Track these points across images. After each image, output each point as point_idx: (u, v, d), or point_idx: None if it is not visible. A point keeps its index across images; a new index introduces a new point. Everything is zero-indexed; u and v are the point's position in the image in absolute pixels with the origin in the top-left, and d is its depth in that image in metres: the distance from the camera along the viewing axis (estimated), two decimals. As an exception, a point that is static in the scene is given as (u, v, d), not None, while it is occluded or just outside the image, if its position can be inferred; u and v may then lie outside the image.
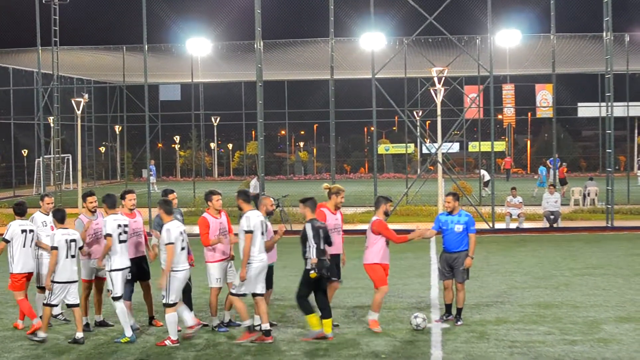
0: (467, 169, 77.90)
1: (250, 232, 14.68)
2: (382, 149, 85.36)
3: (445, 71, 38.81)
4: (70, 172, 65.65)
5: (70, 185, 64.56)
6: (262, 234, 14.95)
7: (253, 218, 14.82)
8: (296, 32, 64.81)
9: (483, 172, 51.39)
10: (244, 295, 14.76)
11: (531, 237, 30.56)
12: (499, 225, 32.94)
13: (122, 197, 16.21)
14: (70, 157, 64.45)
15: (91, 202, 16.15)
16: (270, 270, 15.49)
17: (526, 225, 33.48)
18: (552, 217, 32.75)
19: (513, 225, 33.31)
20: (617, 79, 38.85)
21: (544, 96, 71.27)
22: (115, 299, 14.77)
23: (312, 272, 14.51)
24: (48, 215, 16.43)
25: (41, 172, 44.17)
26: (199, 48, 49.80)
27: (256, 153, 54.36)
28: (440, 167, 37.53)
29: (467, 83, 63.04)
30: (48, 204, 16.54)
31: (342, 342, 14.23)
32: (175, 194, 16.48)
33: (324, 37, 44.34)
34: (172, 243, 14.62)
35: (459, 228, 15.49)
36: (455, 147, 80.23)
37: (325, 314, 14.68)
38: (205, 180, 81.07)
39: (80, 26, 65.15)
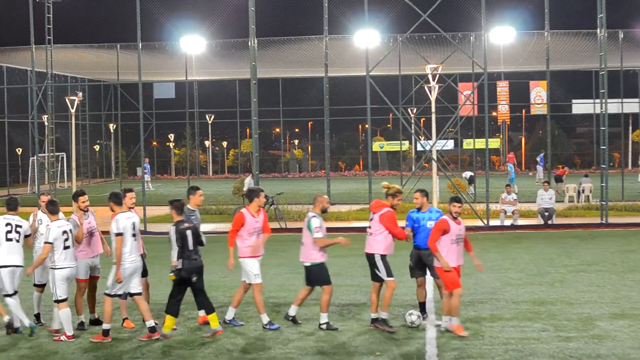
0: (462, 166, 77.88)
1: (120, 234, 14.88)
2: (376, 146, 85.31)
3: (439, 68, 38.78)
4: (65, 171, 65.56)
5: (65, 184, 64.47)
6: (134, 235, 15.08)
7: (122, 220, 14.97)
8: (290, 29, 64.71)
9: (469, 173, 51.52)
10: (119, 296, 14.99)
11: (526, 234, 30.60)
12: (493, 222, 32.97)
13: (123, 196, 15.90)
14: (64, 156, 64.37)
15: (83, 202, 15.89)
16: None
17: (521, 222, 33.52)
18: (546, 214, 32.79)
19: (508, 222, 33.35)
20: (611, 75, 38.86)
21: (538, 93, 71.25)
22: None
23: (170, 274, 14.74)
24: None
25: (35, 170, 44.12)
26: (193, 46, 49.82)
27: (251, 151, 54.35)
28: (434, 165, 37.53)
29: (461, 80, 62.98)
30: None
31: (337, 340, 14.23)
32: (200, 190, 16.20)
33: (318, 34, 44.38)
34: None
35: (431, 224, 15.41)
36: (449, 144, 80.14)
37: (208, 309, 14.98)
38: (200, 178, 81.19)
39: (74, 24, 64.95)
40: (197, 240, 14.97)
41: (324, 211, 15.63)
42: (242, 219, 15.24)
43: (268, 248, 27.04)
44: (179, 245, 14.63)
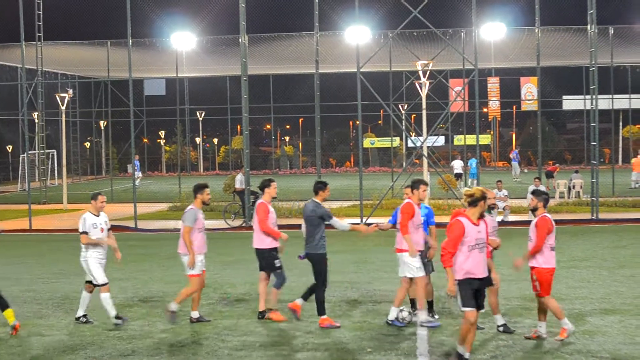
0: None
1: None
2: (367, 142, 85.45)
3: (430, 64, 38.85)
4: (55, 168, 65.46)
5: (55, 181, 64.36)
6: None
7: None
8: (281, 26, 64.61)
9: (458, 162, 51.59)
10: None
11: (517, 230, 30.58)
12: (484, 218, 32.95)
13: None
14: (55, 153, 64.28)
15: (102, 202, 15.88)
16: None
17: (512, 218, 33.55)
18: (537, 210, 32.77)
19: (499, 218, 33.34)
20: (601, 71, 38.94)
21: (529, 89, 71.48)
22: None
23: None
24: (99, 216, 15.88)
25: (26, 167, 44.04)
26: (183, 42, 49.78)
27: (241, 147, 54.31)
28: (425, 161, 37.56)
29: (452, 76, 63.15)
30: (102, 202, 15.98)
31: (328, 336, 14.22)
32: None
33: (309, 31, 44.35)
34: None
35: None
36: (440, 141, 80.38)
37: (2, 306, 14.98)
38: (191, 175, 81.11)
39: (64, 21, 64.83)
40: None
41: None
42: (412, 209, 14.95)
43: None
44: None
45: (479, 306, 12.25)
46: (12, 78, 59.87)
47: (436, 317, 15.35)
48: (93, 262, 15.53)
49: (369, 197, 38.77)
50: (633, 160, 51.41)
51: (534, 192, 14.47)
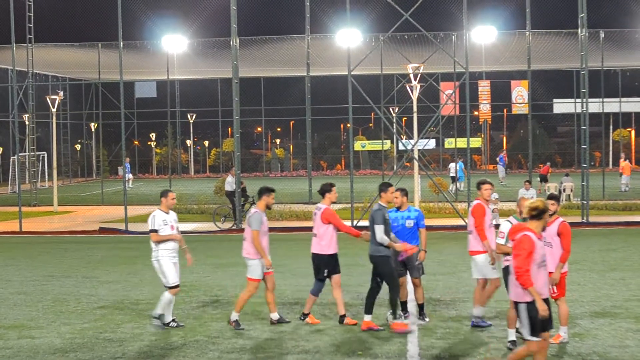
0: (444, 165, 78.00)
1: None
2: (358, 145, 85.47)
3: (421, 68, 38.90)
4: (46, 170, 65.37)
5: (46, 183, 64.28)
6: None
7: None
8: (272, 28, 64.64)
9: (454, 165, 51.65)
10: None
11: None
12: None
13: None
14: (45, 155, 64.19)
15: (173, 199, 15.83)
16: None
17: (502, 221, 33.54)
18: (527, 213, 32.81)
19: (490, 221, 33.39)
20: (592, 75, 39.03)
21: (520, 92, 71.58)
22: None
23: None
24: (168, 214, 15.67)
25: (16, 170, 43.94)
26: (174, 45, 49.81)
27: (232, 150, 54.28)
28: (416, 164, 37.59)
29: (443, 79, 63.21)
30: (173, 199, 15.89)
31: (319, 339, 14.22)
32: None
33: (300, 33, 44.42)
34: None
35: (409, 223, 15.43)
36: (431, 144, 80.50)
37: None
38: (182, 177, 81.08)
39: (55, 23, 64.81)
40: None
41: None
42: (484, 209, 15.25)
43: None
44: None
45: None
46: (2, 80, 59.68)
47: (427, 319, 15.37)
48: (166, 261, 15.29)
49: (360, 200, 38.79)
50: (623, 163, 51.49)
51: (551, 197, 14.26)
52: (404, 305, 15.70)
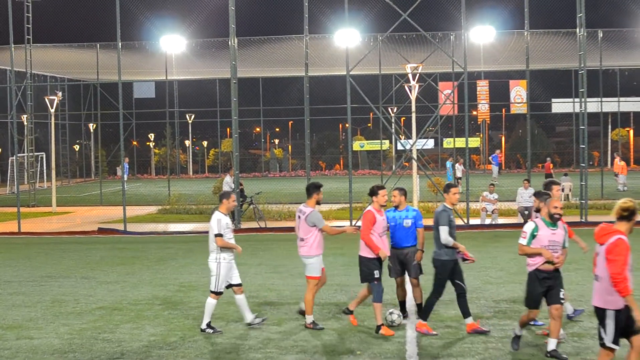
0: (442, 165, 78.03)
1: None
2: (357, 145, 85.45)
3: (419, 68, 38.91)
4: (44, 171, 65.37)
5: (44, 184, 64.28)
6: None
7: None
8: (270, 29, 64.78)
9: (457, 165, 51.65)
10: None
11: (506, 233, 30.66)
12: (473, 221, 33.05)
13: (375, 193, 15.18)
14: (44, 156, 64.22)
15: (234, 201, 15.50)
16: None
17: (501, 220, 33.61)
18: (526, 212, 32.82)
19: (488, 221, 33.45)
20: (590, 74, 39.01)
21: (518, 92, 71.65)
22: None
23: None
24: (227, 215, 15.36)
25: (15, 170, 43.92)
26: (173, 45, 49.82)
27: (231, 150, 54.29)
28: (415, 164, 37.60)
29: (441, 79, 63.25)
30: (234, 201, 15.60)
31: (317, 339, 14.22)
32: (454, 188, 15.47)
33: (299, 34, 44.36)
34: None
35: (407, 223, 15.38)
36: (430, 144, 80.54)
37: None
38: (180, 178, 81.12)
39: (53, 24, 64.82)
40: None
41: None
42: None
43: (248, 248, 27.07)
44: None
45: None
46: (0, 81, 59.72)
47: (411, 316, 15.42)
48: (224, 266, 15.15)
49: (358, 200, 38.77)
50: (621, 163, 51.51)
51: (536, 194, 14.44)
52: (402, 305, 15.69)
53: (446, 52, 41.21)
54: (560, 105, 76.02)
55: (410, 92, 38.85)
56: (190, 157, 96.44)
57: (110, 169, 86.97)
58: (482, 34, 47.26)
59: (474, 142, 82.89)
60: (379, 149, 71.21)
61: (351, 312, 15.52)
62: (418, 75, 38.90)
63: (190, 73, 62.44)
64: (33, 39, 44.95)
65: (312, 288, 15.16)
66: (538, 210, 14.06)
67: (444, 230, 14.39)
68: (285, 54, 51.79)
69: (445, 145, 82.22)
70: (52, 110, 45.88)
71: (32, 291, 19.57)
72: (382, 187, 15.07)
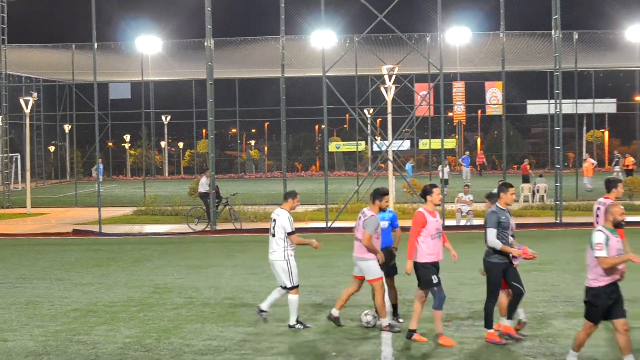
0: (418, 166, 78.13)
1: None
2: (333, 146, 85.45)
3: (395, 69, 38.95)
4: (19, 172, 65.05)
5: (19, 185, 63.96)
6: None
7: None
8: (247, 29, 64.76)
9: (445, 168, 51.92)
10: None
11: (481, 234, 30.59)
12: (449, 222, 33.12)
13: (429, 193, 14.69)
14: (18, 157, 63.90)
15: (298, 201, 15.73)
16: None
17: (476, 221, 33.68)
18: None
19: (463, 222, 33.54)
20: (565, 76, 39.14)
21: (494, 93, 71.77)
22: None
23: None
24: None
25: (-11, 171, 43.71)
26: (148, 46, 49.68)
27: (207, 151, 54.18)
28: (390, 165, 37.65)
29: (417, 81, 63.32)
30: (298, 201, 15.76)
31: (293, 340, 14.22)
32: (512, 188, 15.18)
33: (275, 34, 44.32)
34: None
35: (384, 224, 15.42)
36: (405, 145, 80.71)
37: None
38: (156, 179, 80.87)
39: (28, 24, 64.53)
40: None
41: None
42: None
43: (223, 249, 27.08)
44: None
45: None
46: (-25, 81, 59.40)
47: (400, 320, 15.39)
48: (293, 262, 15.29)
49: (334, 201, 38.80)
50: (586, 164, 51.81)
51: (488, 196, 14.86)
52: (394, 308, 15.71)
53: (422, 54, 41.29)
54: (536, 107, 76.19)
55: (386, 93, 38.88)
56: (166, 158, 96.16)
57: (86, 170, 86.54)
58: (458, 36, 47.37)
59: (450, 143, 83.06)
60: (355, 150, 71.29)
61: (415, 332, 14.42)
62: (394, 76, 38.94)
63: (166, 74, 62.24)
64: (8, 39, 44.74)
65: (380, 290, 14.78)
66: None
67: (491, 233, 14.14)
68: (261, 55, 51.72)
69: (421, 147, 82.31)
70: (27, 111, 45.66)
71: (6, 293, 19.46)
72: (436, 186, 14.77)
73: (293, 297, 15.16)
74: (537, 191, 42.87)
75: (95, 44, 36.02)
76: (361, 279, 15.22)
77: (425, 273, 14.24)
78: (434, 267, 14.32)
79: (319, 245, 15.57)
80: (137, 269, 23.04)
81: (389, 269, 15.44)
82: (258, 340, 14.33)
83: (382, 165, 47.51)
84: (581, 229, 31.73)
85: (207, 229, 33.98)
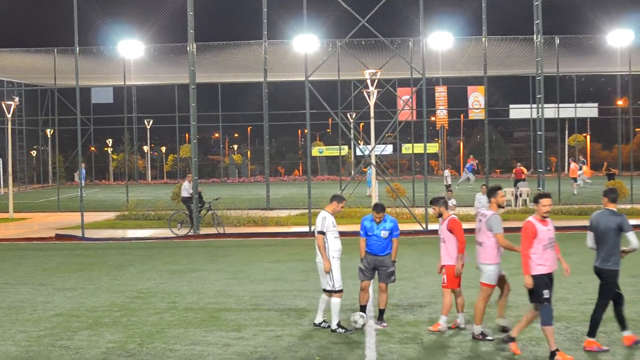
0: (400, 170, 78.26)
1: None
2: (316, 151, 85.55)
3: (378, 73, 39.00)
4: (1, 176, 64.80)
5: (1, 190, 63.74)
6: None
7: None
8: (229, 34, 64.60)
9: (447, 172, 52.04)
10: None
11: (465, 238, 30.70)
12: (432, 226, 33.14)
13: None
14: (0, 161, 63.64)
15: (502, 196, 15.02)
16: None
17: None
18: (484, 217, 33.00)
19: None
20: (547, 80, 39.29)
21: (476, 98, 71.92)
22: None
23: None
24: (332, 215, 15.41)
25: (-29, 176, 43.55)
26: (131, 50, 49.63)
27: (189, 156, 54.12)
28: (373, 169, 37.68)
29: (400, 85, 63.48)
30: (343, 206, 15.75)
31: (276, 345, 14.20)
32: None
33: (257, 39, 44.37)
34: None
35: (385, 234, 15.43)
36: (388, 149, 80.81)
37: None
38: (139, 183, 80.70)
39: (9, 28, 64.30)
40: None
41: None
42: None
43: (206, 254, 27.02)
44: None
45: None
46: (-44, 86, 59.21)
47: (385, 324, 15.40)
48: (335, 263, 15.12)
49: (317, 205, 38.79)
50: (572, 166, 52.03)
51: (432, 201, 15.43)
52: (362, 309, 15.69)
53: (404, 58, 41.35)
54: (518, 111, 76.47)
55: (369, 97, 38.93)
56: (149, 162, 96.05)
57: (68, 175, 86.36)
58: (441, 40, 47.52)
59: (433, 147, 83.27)
60: (338, 154, 71.40)
61: (513, 339, 13.79)
62: (377, 81, 39.00)
63: (148, 78, 62.22)
64: (-11, 44, 44.68)
65: (486, 297, 14.53)
66: (440, 215, 14.61)
67: (590, 237, 14.05)
68: (244, 59, 51.76)
69: (403, 151, 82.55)
70: (9, 116, 45.51)
71: (-11, 298, 19.38)
72: (500, 187, 14.72)
73: (335, 301, 15.03)
74: (520, 195, 42.97)
75: (78, 48, 35.92)
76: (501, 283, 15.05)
77: (539, 286, 13.44)
78: (549, 279, 13.55)
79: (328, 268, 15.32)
80: (120, 273, 22.98)
81: (385, 275, 15.45)
82: (241, 344, 14.31)
83: (365, 169, 47.53)
84: (564, 233, 31.84)
85: (190, 233, 33.90)
